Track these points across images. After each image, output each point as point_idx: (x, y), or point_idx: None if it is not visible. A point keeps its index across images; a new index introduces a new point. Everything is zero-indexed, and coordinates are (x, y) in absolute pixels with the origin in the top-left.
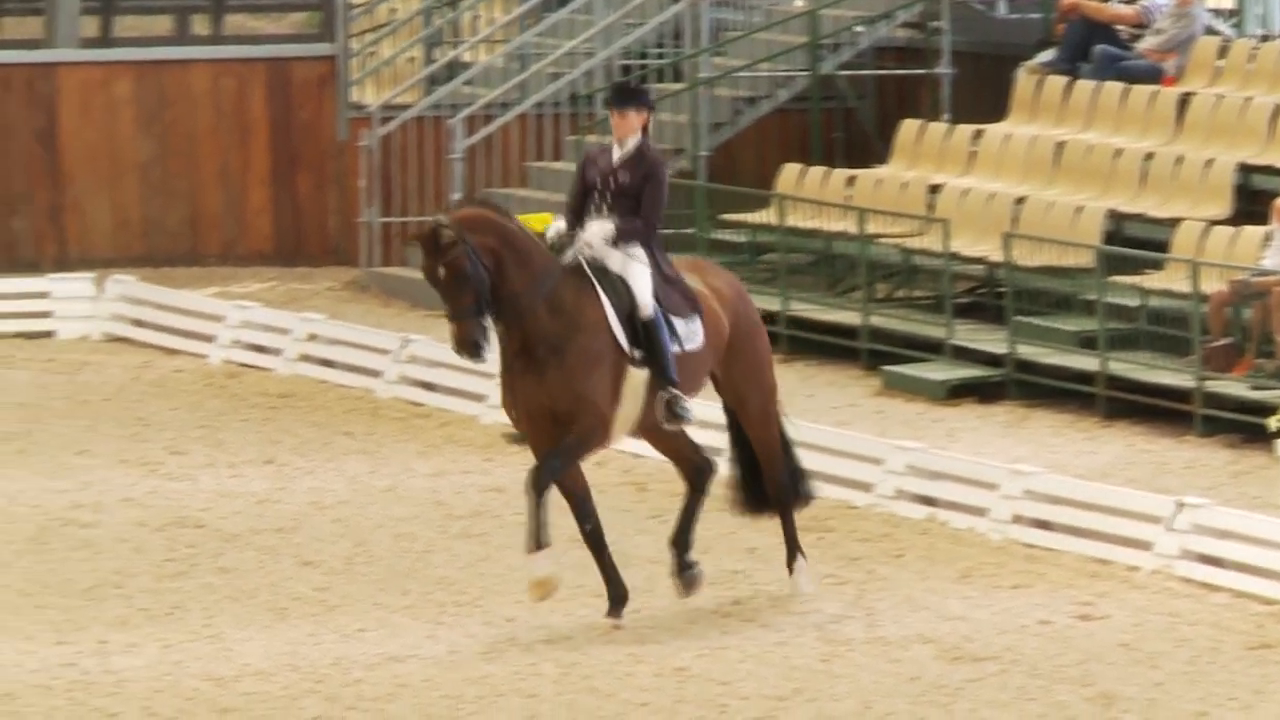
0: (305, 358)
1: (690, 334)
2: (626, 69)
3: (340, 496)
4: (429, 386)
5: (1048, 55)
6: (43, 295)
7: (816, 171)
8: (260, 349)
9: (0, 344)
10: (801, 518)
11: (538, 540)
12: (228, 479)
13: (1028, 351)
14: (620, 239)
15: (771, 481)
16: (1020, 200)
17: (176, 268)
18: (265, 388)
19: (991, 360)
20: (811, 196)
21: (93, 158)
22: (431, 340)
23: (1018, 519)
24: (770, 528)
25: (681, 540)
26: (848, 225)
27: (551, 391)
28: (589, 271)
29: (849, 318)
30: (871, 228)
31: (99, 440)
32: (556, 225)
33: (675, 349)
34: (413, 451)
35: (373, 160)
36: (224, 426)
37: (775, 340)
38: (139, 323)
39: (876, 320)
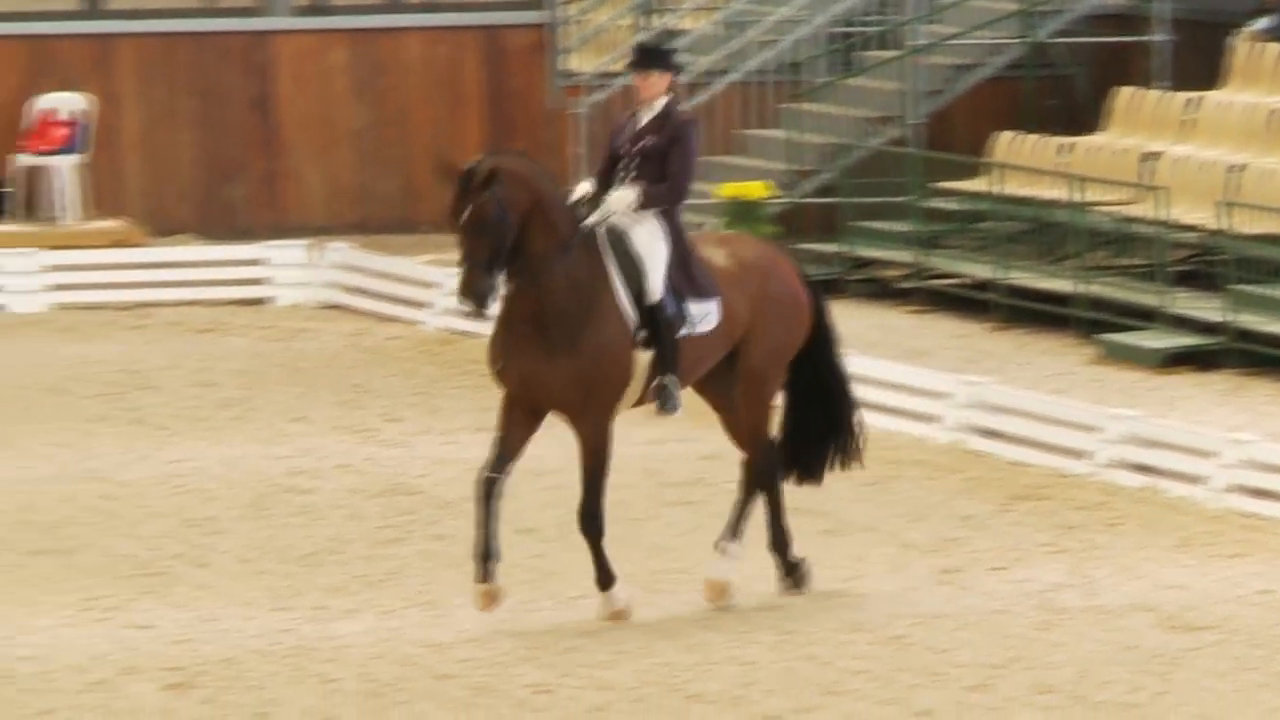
0: None
1: (703, 314)
2: (839, 36)
3: (554, 464)
4: None
5: (1263, 23)
6: (258, 262)
7: (1031, 139)
8: None
9: (217, 311)
10: (1016, 485)
11: (609, 574)
12: (442, 446)
13: (1246, 320)
14: (644, 205)
15: (753, 463)
16: (1236, 168)
17: (390, 235)
18: (478, 355)
19: (1209, 328)
20: (1026, 164)
21: (307, 126)
22: None
23: (1236, 488)
24: (988, 496)
25: (778, 541)
26: (1062, 193)
27: (563, 382)
28: (606, 244)
29: (1064, 286)
30: (1086, 195)
31: (316, 407)
32: (583, 187)
33: (684, 331)
34: (628, 419)
35: (585, 128)
36: (439, 394)
37: (989, 308)
38: (354, 290)
39: (1092, 288)
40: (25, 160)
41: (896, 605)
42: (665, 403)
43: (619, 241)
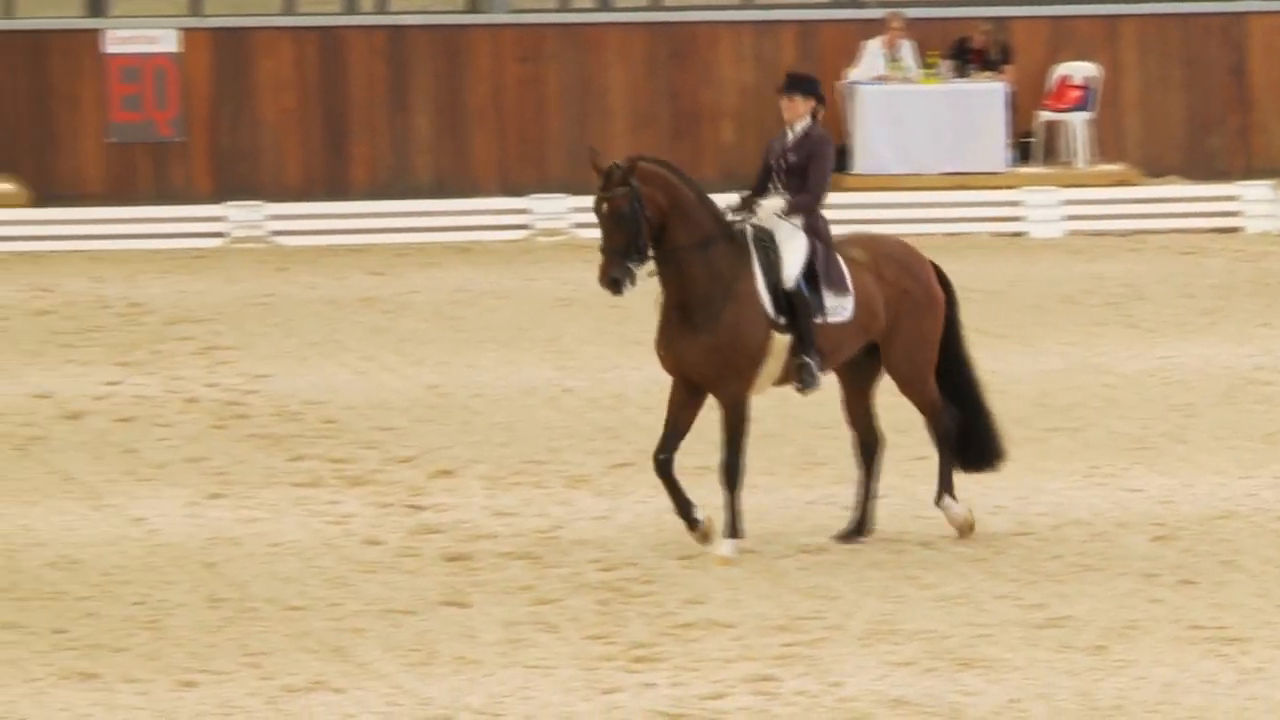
0: None
1: (837, 307)
2: None
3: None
4: None
5: None
6: (1232, 199)
7: None
8: None
9: (1197, 238)
10: None
11: (735, 529)
12: None
13: None
14: (790, 211)
15: (933, 429)
16: None
17: None
18: None
19: None
20: None
21: (1274, 89)
22: None
23: None
24: None
25: (861, 524)
26: None
27: (703, 355)
28: (750, 240)
29: None
30: None
31: (1278, 315)
32: (733, 198)
33: (819, 320)
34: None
35: None
36: None
37: None
38: None
39: None
40: (1046, 116)
41: None
42: (805, 380)
43: (765, 239)
